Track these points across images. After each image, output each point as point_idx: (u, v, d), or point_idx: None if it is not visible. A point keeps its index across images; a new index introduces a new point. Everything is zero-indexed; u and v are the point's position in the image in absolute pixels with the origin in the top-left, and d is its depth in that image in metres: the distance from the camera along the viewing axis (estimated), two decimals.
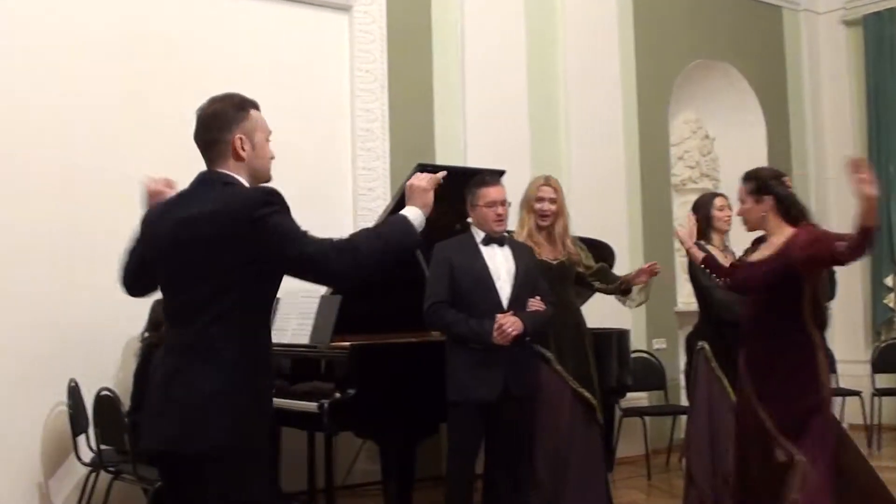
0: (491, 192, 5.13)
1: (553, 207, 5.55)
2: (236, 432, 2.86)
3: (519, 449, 5.14)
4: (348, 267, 2.90)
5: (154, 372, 3.03)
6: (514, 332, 4.91)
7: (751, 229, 4.90)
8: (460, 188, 5.26)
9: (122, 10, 6.41)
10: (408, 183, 3.26)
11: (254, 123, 3.11)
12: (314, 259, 2.88)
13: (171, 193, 3.27)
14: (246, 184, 3.05)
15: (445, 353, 5.07)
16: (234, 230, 2.87)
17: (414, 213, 3.12)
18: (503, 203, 5.14)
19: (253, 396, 2.94)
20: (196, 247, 2.92)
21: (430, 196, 3.22)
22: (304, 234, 2.92)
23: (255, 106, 3.16)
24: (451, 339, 5.09)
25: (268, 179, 3.15)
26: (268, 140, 3.16)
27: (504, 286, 5.08)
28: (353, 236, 3.02)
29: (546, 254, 5.51)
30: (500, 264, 5.12)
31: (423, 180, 3.23)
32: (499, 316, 4.93)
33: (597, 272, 5.74)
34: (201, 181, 3.08)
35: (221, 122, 3.07)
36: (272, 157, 3.18)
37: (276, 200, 2.92)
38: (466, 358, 4.99)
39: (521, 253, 5.24)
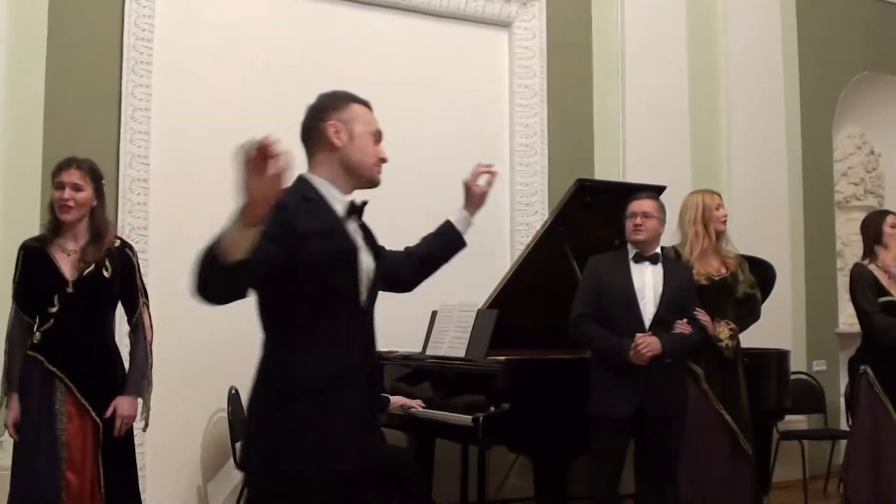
0: (633, 204, 5.16)
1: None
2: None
3: (663, 470, 5.09)
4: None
5: None
6: (650, 354, 4.89)
7: None
8: (619, 204, 5.27)
9: (287, 35, 6.65)
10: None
11: (354, 115, 2.95)
12: None
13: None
14: (321, 181, 2.85)
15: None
16: None
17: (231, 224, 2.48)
18: (644, 214, 5.11)
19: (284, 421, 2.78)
20: None
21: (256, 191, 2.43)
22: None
23: (361, 102, 3.03)
24: (594, 354, 5.11)
25: (371, 180, 2.94)
26: (375, 138, 2.96)
27: (648, 306, 5.04)
28: None
29: (714, 269, 5.47)
30: (648, 283, 5.09)
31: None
32: (638, 335, 4.92)
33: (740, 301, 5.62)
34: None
35: (317, 112, 2.95)
36: (381, 159, 2.96)
37: None
38: (606, 373, 5.00)
39: (675, 273, 5.19)
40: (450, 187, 6.95)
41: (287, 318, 2.80)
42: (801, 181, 8.61)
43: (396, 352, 6.20)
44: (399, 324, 6.24)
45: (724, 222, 5.57)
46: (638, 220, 5.10)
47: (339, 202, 2.87)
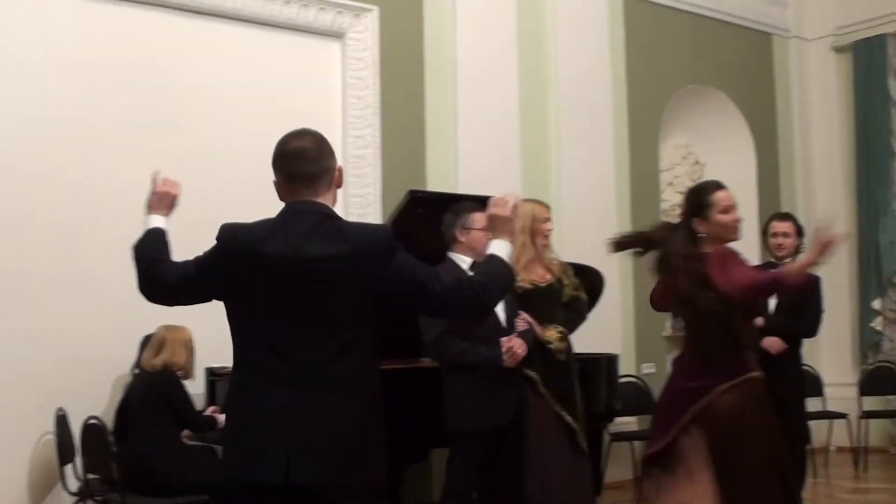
0: (484, 218, 5.18)
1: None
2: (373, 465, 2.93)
3: (518, 474, 5.17)
4: (475, 307, 3.10)
5: (260, 405, 2.90)
6: (523, 352, 5.00)
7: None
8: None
9: (116, 38, 6.49)
10: (489, 214, 3.23)
11: None
12: (449, 295, 2.99)
13: (177, 195, 3.42)
14: None
15: (444, 382, 5.06)
16: (369, 268, 2.89)
17: (504, 248, 3.19)
18: None
19: (380, 429, 2.98)
20: (328, 288, 2.89)
21: (514, 224, 3.26)
22: (436, 271, 3.06)
23: None
24: (455, 368, 5.08)
25: None
26: None
27: (499, 310, 5.11)
28: (474, 279, 3.12)
29: (539, 276, 5.55)
30: None
31: (503, 208, 3.19)
32: (503, 339, 5.00)
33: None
34: (309, 213, 3.00)
35: (329, 151, 3.10)
36: None
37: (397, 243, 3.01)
38: (473, 385, 4.99)
39: None
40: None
41: (377, 328, 3.00)
42: (628, 190, 8.85)
43: (227, 368, 6.13)
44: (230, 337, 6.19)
45: (548, 236, 5.66)
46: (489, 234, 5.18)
47: None
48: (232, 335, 3.01)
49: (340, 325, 2.90)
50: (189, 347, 5.74)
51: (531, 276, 5.49)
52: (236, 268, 2.98)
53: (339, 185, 3.11)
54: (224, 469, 3.03)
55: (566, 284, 5.65)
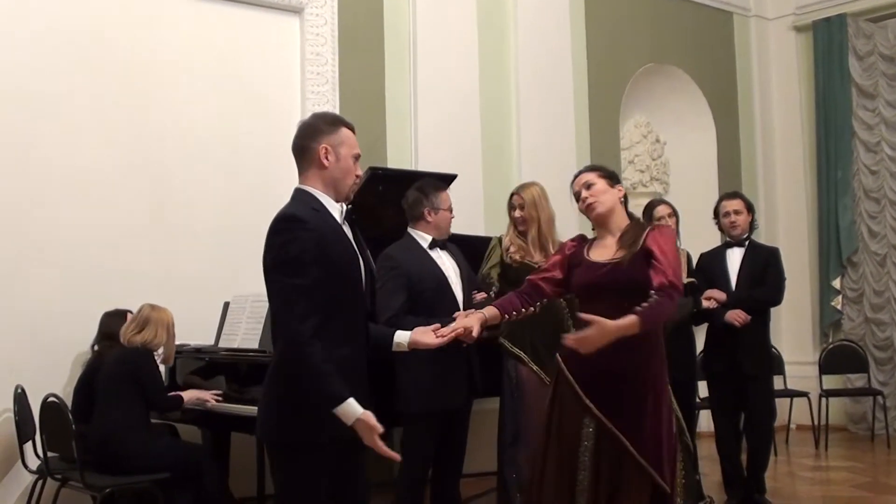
0: (448, 197, 5.26)
1: (521, 214, 5.58)
2: None
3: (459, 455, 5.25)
4: None
5: None
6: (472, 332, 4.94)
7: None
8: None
9: (78, 14, 6.39)
10: None
11: (341, 138, 3.40)
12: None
13: None
14: (319, 193, 3.36)
15: (397, 365, 4.94)
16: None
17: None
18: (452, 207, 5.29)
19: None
20: None
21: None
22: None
23: (347, 125, 3.46)
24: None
25: (347, 196, 3.43)
26: (355, 159, 3.43)
27: (456, 287, 5.13)
28: None
29: (534, 258, 5.46)
30: (448, 266, 5.18)
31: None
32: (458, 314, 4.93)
33: None
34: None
35: (312, 132, 3.39)
36: (357, 176, 3.45)
37: (284, 227, 3.22)
38: (426, 369, 4.88)
39: (456, 252, 5.32)
40: (242, 174, 6.88)
41: None
42: None
43: (188, 345, 6.08)
44: (191, 316, 6.10)
45: (521, 218, 5.58)
46: (452, 213, 5.24)
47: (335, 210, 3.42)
48: None
49: None
50: (170, 331, 5.66)
51: (525, 256, 5.47)
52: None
53: (321, 167, 3.35)
54: None
55: None
